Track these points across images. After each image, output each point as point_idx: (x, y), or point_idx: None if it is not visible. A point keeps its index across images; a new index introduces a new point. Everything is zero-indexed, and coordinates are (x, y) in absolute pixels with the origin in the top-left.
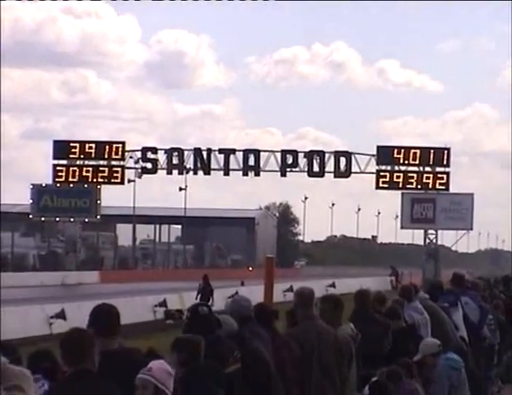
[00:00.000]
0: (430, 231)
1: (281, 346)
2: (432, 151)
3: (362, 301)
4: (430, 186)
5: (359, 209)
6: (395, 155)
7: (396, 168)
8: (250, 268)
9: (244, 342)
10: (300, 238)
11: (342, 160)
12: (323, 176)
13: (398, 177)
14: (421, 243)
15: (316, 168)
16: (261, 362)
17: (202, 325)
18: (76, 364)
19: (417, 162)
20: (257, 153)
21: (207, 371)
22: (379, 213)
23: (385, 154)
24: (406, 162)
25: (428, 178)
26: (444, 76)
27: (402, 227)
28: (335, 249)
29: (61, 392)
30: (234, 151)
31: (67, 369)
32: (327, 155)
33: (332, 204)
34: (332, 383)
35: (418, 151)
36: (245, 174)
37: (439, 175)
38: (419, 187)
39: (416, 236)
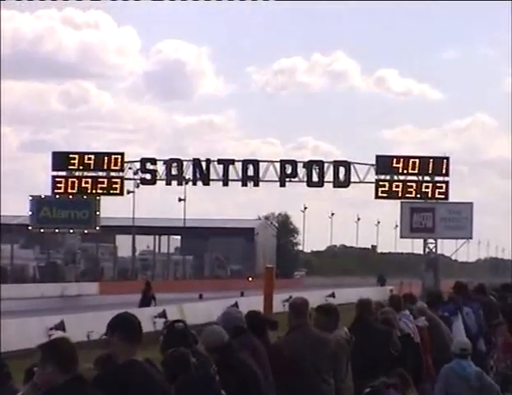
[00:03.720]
0: (429, 240)
1: (272, 355)
2: (431, 160)
3: (363, 310)
4: (430, 195)
5: (358, 219)
6: (394, 165)
7: (395, 177)
8: (250, 279)
9: (229, 354)
10: (300, 248)
11: (341, 170)
12: (322, 186)
13: (397, 186)
14: (421, 252)
15: (315, 178)
16: (245, 373)
17: (178, 340)
18: (72, 370)
19: (416, 171)
20: (256, 163)
21: (198, 382)
22: (378, 222)
23: (384, 163)
24: (405, 171)
25: (427, 187)
26: (443, 84)
27: (401, 236)
28: (335, 259)
29: None
30: (233, 161)
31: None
32: (326, 165)
33: (332, 214)
34: (327, 389)
35: (417, 161)
36: (244, 184)
37: (439, 184)
38: (418, 196)
39: (415, 245)
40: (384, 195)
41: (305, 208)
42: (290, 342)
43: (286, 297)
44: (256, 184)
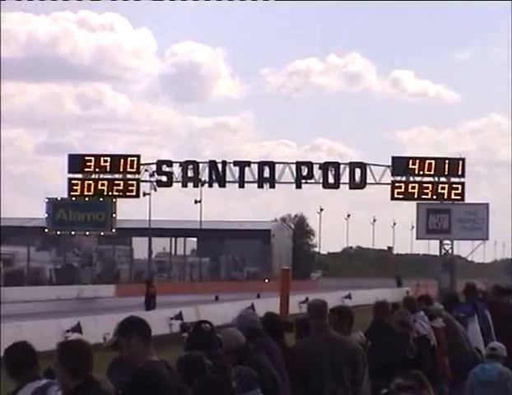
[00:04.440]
0: (445, 242)
1: (288, 358)
2: (447, 161)
3: (380, 312)
4: (446, 196)
5: (374, 220)
6: (410, 166)
7: (411, 178)
8: (266, 280)
9: (248, 356)
10: (316, 249)
11: (357, 172)
12: (338, 187)
13: (413, 187)
14: (437, 253)
15: (331, 179)
16: (263, 375)
17: (203, 341)
18: (87, 373)
19: (432, 172)
20: (272, 165)
21: (214, 386)
22: (394, 224)
23: (400, 165)
24: (421, 173)
25: (443, 188)
26: (459, 85)
27: (417, 238)
28: (351, 260)
29: None
30: (249, 163)
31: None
32: (342, 167)
33: (348, 215)
34: (344, 391)
35: (433, 162)
36: (260, 186)
37: (455, 185)
38: (434, 197)
39: (431, 247)
40: (400, 196)
41: (321, 210)
42: (309, 344)
43: (302, 299)
44: (272, 186)
